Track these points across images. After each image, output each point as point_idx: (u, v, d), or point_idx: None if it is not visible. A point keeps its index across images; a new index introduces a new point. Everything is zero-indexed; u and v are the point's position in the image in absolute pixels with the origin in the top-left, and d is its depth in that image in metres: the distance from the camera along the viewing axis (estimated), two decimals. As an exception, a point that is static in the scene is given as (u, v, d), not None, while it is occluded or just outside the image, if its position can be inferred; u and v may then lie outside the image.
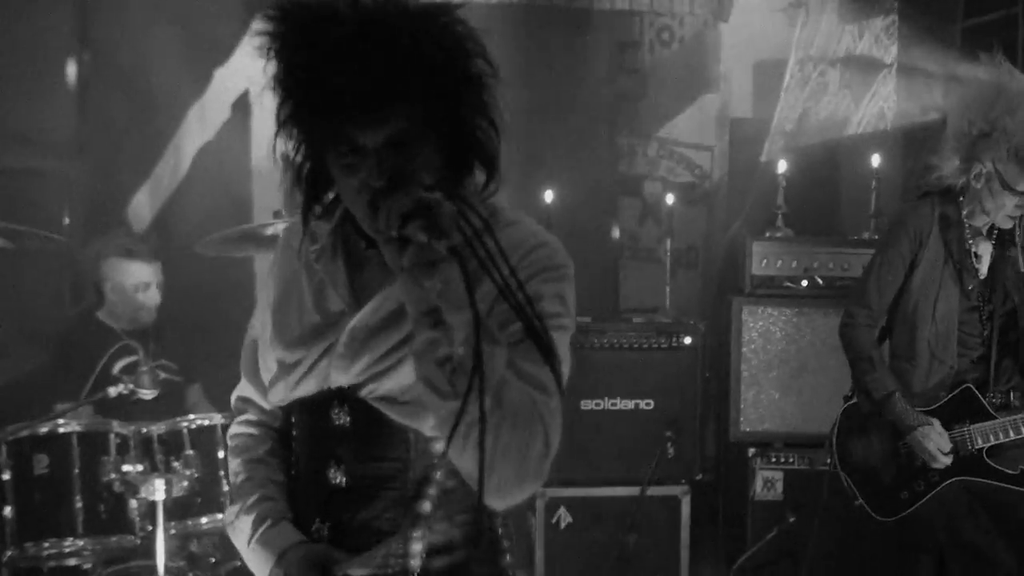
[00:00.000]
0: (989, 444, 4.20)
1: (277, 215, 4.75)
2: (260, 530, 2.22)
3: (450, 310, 1.82)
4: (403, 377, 2.04)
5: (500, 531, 2.24)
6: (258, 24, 1.94)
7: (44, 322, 5.50)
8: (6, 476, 4.13)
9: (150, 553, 4.04)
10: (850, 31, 6.27)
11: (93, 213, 6.03)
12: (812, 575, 4.93)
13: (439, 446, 2.07)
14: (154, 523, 4.03)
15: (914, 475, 4.29)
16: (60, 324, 5.36)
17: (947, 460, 4.20)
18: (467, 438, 1.82)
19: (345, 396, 2.11)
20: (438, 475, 2.11)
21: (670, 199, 6.18)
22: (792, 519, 5.40)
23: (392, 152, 1.91)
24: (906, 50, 5.92)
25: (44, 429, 4.17)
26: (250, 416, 2.40)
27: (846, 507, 4.50)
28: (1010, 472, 4.20)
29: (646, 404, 5.64)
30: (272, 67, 1.94)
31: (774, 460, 5.57)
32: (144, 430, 4.25)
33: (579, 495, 5.60)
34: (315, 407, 2.17)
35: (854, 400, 4.47)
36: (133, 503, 4.18)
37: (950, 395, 4.27)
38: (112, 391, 4.26)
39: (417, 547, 2.11)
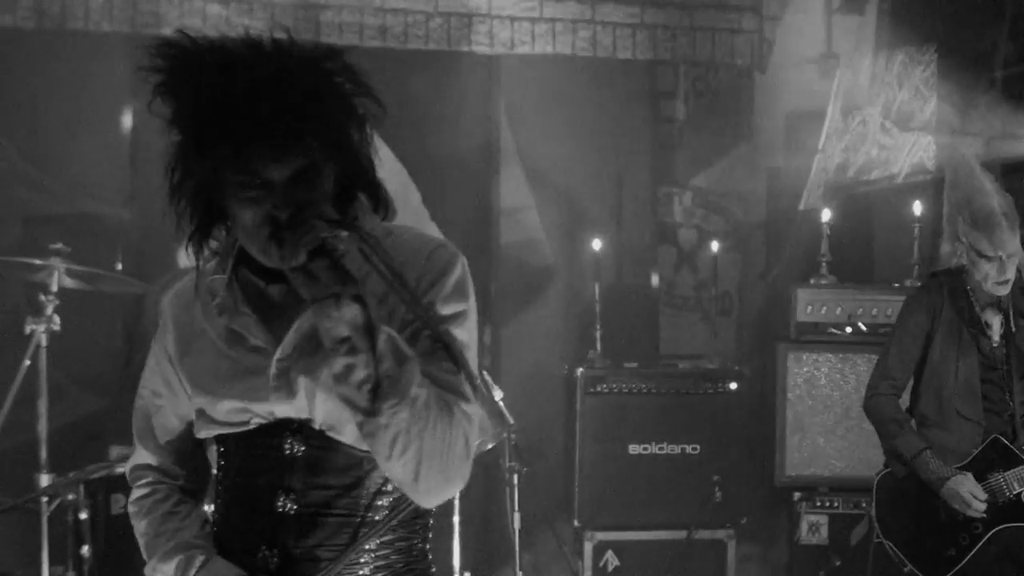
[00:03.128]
0: None
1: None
2: (192, 571, 2.19)
3: (360, 337, 1.88)
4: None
5: (430, 557, 2.28)
6: (148, 60, 1.97)
7: (103, 366, 5.57)
8: (83, 516, 4.19)
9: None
10: (889, 82, 6.38)
11: (144, 258, 6.10)
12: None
13: None
14: (226, 564, 4.07)
15: (957, 530, 4.32)
16: (119, 368, 5.41)
17: (982, 507, 4.24)
18: (392, 449, 1.95)
19: (300, 427, 2.12)
20: (382, 501, 2.15)
21: (714, 247, 6.27)
22: (837, 563, 5.44)
23: (296, 185, 1.96)
24: (945, 101, 6.00)
25: (120, 469, 4.21)
26: (149, 478, 2.38)
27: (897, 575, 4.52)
28: None
29: (692, 449, 5.72)
30: (166, 104, 1.97)
31: (819, 504, 5.62)
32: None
33: (626, 538, 5.68)
34: (261, 438, 2.16)
35: (887, 470, 4.54)
36: (205, 544, 4.21)
37: (980, 447, 4.34)
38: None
39: (364, 572, 2.15)
